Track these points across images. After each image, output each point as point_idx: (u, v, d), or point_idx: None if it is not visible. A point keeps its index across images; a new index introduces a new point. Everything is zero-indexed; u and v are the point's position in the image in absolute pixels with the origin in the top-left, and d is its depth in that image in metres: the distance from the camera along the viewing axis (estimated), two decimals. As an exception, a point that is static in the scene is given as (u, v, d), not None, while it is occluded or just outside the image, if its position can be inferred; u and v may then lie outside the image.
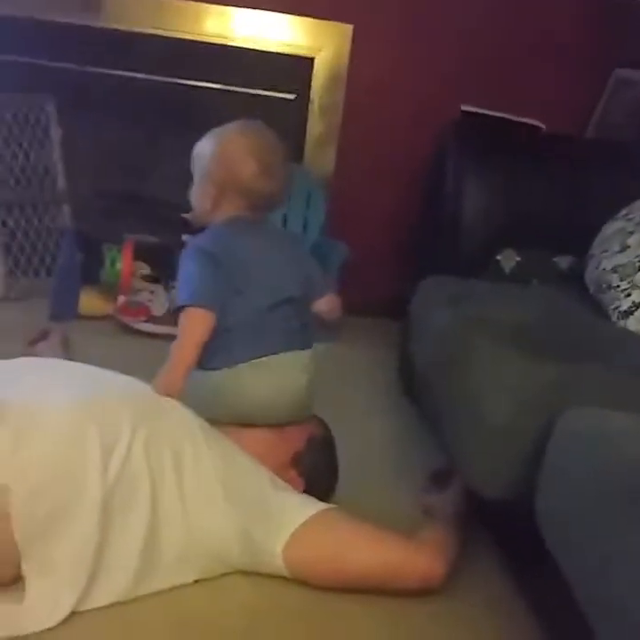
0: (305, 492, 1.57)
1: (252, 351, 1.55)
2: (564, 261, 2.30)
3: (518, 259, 2.28)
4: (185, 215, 2.64)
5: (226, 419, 1.57)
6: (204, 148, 1.60)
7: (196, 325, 1.53)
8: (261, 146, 1.57)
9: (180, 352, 1.53)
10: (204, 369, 1.57)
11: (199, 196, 1.61)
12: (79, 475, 1.31)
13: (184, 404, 1.58)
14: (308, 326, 1.64)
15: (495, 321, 1.75)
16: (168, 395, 1.51)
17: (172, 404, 1.52)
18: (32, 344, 1.96)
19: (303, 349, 1.61)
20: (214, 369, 1.56)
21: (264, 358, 1.55)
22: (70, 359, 1.86)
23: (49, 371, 1.56)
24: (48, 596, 1.27)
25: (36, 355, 1.90)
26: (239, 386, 1.55)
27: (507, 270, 2.27)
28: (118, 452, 1.35)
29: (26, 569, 1.28)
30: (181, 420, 1.49)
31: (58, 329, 2.04)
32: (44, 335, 1.99)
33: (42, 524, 1.28)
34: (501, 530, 1.65)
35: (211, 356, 1.55)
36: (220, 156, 1.57)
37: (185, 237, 2.58)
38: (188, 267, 1.55)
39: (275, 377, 1.57)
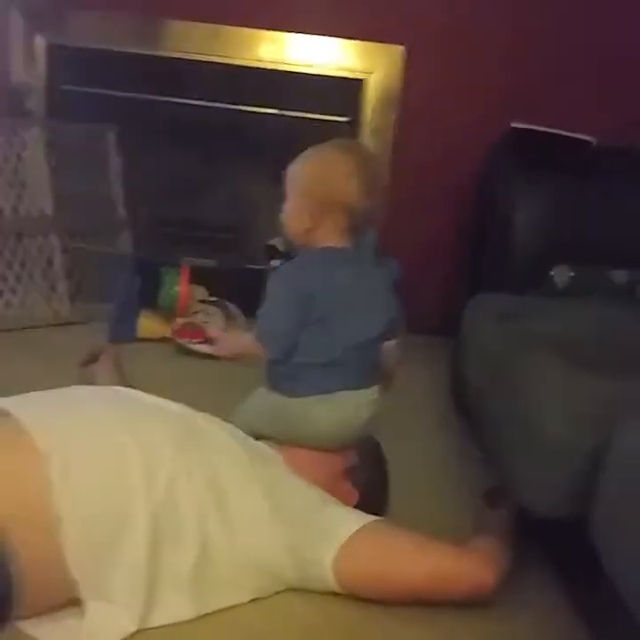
0: (359, 503, 1.57)
1: (325, 385, 1.55)
2: (619, 276, 2.27)
3: (572, 274, 2.25)
4: (272, 241, 2.69)
5: (282, 440, 1.59)
6: (301, 169, 1.57)
7: (254, 350, 1.57)
8: (361, 164, 1.54)
9: (243, 346, 1.63)
10: (274, 390, 1.59)
11: (296, 217, 1.56)
12: (127, 501, 1.32)
13: (243, 420, 1.61)
14: (378, 363, 1.64)
15: (549, 336, 1.73)
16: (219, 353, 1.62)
17: (216, 425, 1.54)
18: (85, 365, 2.00)
19: (371, 386, 1.61)
20: (284, 394, 1.57)
21: (335, 393, 1.55)
22: (124, 378, 1.92)
23: (93, 397, 1.59)
24: (106, 616, 1.29)
25: (90, 375, 1.94)
26: (306, 416, 1.56)
27: (560, 286, 2.25)
28: (162, 476, 1.36)
29: (83, 595, 1.30)
30: (225, 442, 1.50)
31: (110, 349, 2.06)
32: (95, 356, 2.02)
33: (94, 551, 1.29)
34: (556, 548, 1.62)
35: (283, 380, 1.57)
36: (321, 175, 1.54)
37: (274, 263, 2.58)
38: (275, 297, 1.54)
39: (341, 412, 1.57)
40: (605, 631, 1.40)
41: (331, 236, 1.55)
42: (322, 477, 1.56)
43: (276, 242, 2.59)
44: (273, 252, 2.63)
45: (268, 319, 1.55)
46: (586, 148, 2.54)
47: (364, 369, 1.59)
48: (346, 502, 1.57)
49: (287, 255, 1.63)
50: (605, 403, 1.42)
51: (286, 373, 1.56)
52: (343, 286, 1.53)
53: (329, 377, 1.54)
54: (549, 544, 1.64)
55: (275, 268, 1.57)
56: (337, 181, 1.52)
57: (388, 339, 1.66)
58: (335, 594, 1.42)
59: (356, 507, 1.57)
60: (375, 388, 1.62)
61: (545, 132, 2.57)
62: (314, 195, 1.53)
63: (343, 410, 1.57)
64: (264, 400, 1.60)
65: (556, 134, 2.55)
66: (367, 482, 1.64)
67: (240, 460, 1.48)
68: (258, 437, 1.60)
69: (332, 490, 1.57)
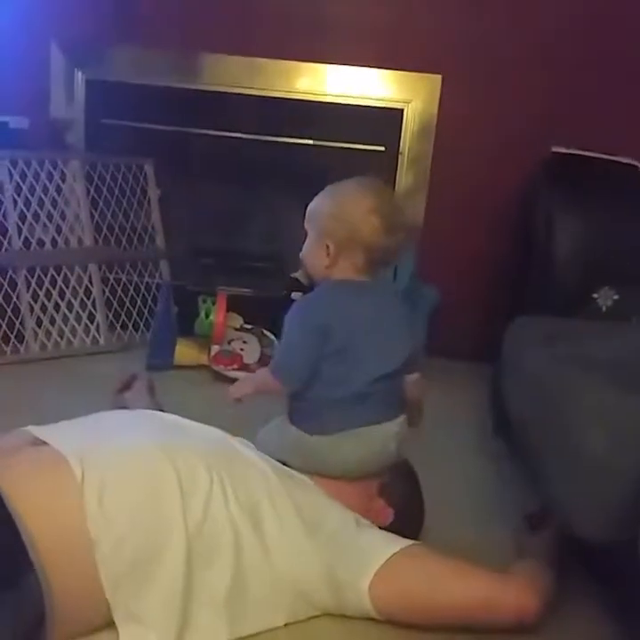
0: (394, 522, 1.55)
1: (350, 421, 1.54)
2: (663, 298, 2.23)
3: (616, 297, 2.22)
4: (294, 274, 2.71)
5: (313, 473, 1.57)
6: (321, 206, 1.57)
7: (272, 387, 1.58)
8: (381, 203, 1.54)
9: (259, 383, 1.61)
10: (297, 427, 1.58)
11: (315, 254, 1.57)
12: (162, 523, 1.32)
13: (267, 448, 1.59)
14: (401, 394, 1.62)
15: (593, 358, 1.71)
16: (236, 395, 1.60)
17: (248, 451, 1.54)
18: (119, 392, 2.00)
19: (396, 418, 1.59)
20: (307, 431, 1.56)
21: (359, 429, 1.54)
22: (157, 405, 1.92)
23: (128, 420, 1.61)
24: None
25: (124, 402, 1.94)
26: (333, 454, 1.55)
27: (604, 309, 2.21)
28: (198, 498, 1.36)
29: (116, 616, 1.29)
30: (260, 466, 1.50)
31: (144, 376, 2.07)
32: (129, 383, 2.03)
33: (128, 573, 1.29)
34: (604, 572, 1.57)
35: (306, 418, 1.56)
36: (340, 214, 1.53)
37: (294, 296, 2.59)
38: (291, 330, 1.54)
39: (369, 447, 1.56)
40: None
41: (349, 272, 1.56)
42: (354, 499, 1.55)
43: (298, 275, 2.61)
44: (296, 285, 2.65)
45: (284, 351, 1.57)
46: (629, 171, 2.51)
47: (387, 400, 1.57)
48: (380, 520, 1.55)
49: (308, 288, 1.64)
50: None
51: (309, 410, 1.55)
52: (359, 317, 1.53)
53: (352, 412, 1.53)
54: (596, 569, 1.59)
55: (293, 301, 1.59)
56: (355, 220, 1.52)
57: (410, 371, 1.64)
58: (372, 619, 1.39)
59: (391, 524, 1.55)
60: (400, 419, 1.60)
61: (586, 156, 2.55)
62: (332, 233, 1.54)
63: (370, 444, 1.56)
64: (286, 434, 1.59)
65: (598, 158, 2.53)
66: (400, 499, 1.61)
67: (275, 483, 1.46)
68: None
69: (365, 509, 1.55)
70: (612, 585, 1.54)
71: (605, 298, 2.22)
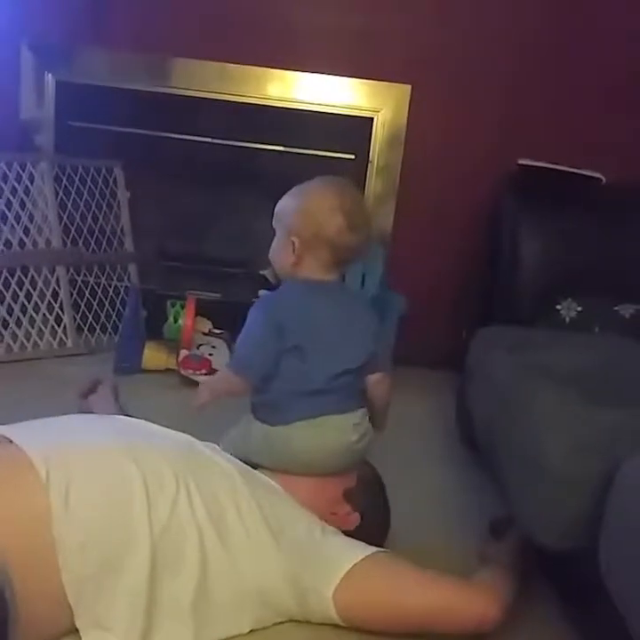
0: (359, 528, 1.57)
1: (308, 412, 1.56)
2: (626, 310, 2.26)
3: (579, 308, 2.25)
4: (263, 272, 2.72)
5: (275, 468, 1.59)
6: (288, 205, 1.59)
7: (231, 386, 1.60)
8: (346, 201, 1.56)
9: (218, 386, 1.64)
10: (258, 420, 1.60)
11: (282, 252, 1.59)
12: (127, 527, 1.32)
13: (234, 449, 1.60)
14: (361, 390, 1.65)
15: (556, 368, 1.73)
16: (196, 404, 1.60)
17: (216, 456, 1.54)
18: (84, 396, 1.99)
19: (355, 410, 1.62)
20: (268, 423, 1.58)
21: (318, 419, 1.56)
22: (122, 409, 1.91)
23: (95, 423, 1.61)
24: None
25: (88, 406, 1.93)
26: (292, 443, 1.57)
27: (567, 320, 2.25)
28: (164, 503, 1.35)
29: (79, 623, 1.28)
30: (224, 471, 1.50)
31: (108, 381, 2.06)
32: (94, 387, 2.01)
33: (92, 578, 1.28)
34: (564, 580, 1.60)
35: (265, 410, 1.59)
36: (305, 212, 1.56)
37: (261, 292, 2.65)
38: (251, 325, 1.57)
39: (326, 437, 1.58)
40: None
41: (315, 270, 1.58)
42: (320, 502, 1.56)
43: (267, 273, 2.63)
44: (264, 283, 2.69)
45: (243, 345, 1.59)
46: (594, 184, 2.55)
47: (347, 394, 1.60)
48: (346, 525, 1.57)
49: (275, 287, 1.67)
50: (611, 435, 1.40)
51: (270, 402, 1.58)
52: (319, 317, 1.56)
53: (310, 404, 1.55)
54: (557, 577, 1.61)
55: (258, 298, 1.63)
56: (319, 217, 1.54)
57: (373, 371, 1.66)
58: (336, 625, 1.40)
59: (357, 529, 1.56)
60: (360, 412, 1.62)
61: (552, 169, 2.58)
62: (297, 231, 1.56)
63: (326, 434, 1.57)
64: (250, 430, 1.61)
65: (563, 171, 2.57)
66: (367, 505, 1.63)
67: (241, 489, 1.46)
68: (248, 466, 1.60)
69: (331, 514, 1.57)
70: (572, 593, 1.56)
71: (568, 309, 2.25)
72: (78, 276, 2.94)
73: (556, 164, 2.60)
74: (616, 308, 2.26)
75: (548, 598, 1.58)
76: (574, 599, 1.55)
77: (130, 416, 1.76)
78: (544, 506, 1.42)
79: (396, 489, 1.72)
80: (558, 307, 2.26)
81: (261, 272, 2.77)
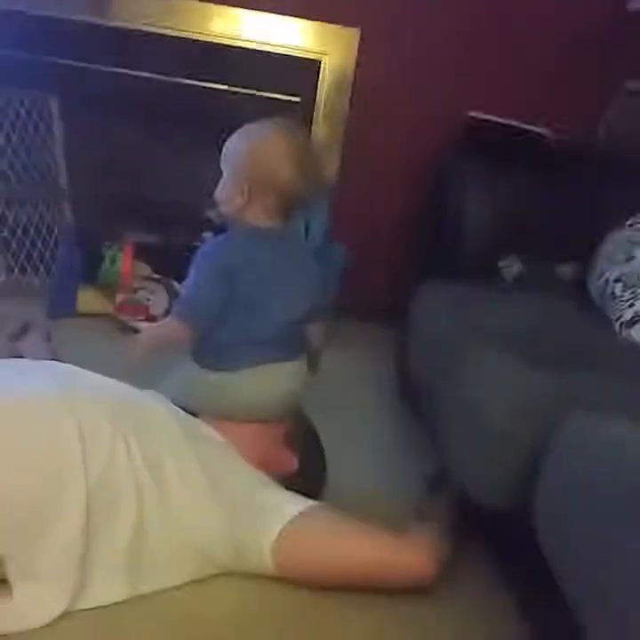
0: (297, 479, 1.58)
1: (250, 360, 1.58)
2: (567, 270, 2.29)
3: (522, 268, 2.26)
4: (208, 213, 2.67)
5: (216, 414, 1.59)
6: (238, 146, 1.57)
7: (173, 333, 1.58)
8: (297, 147, 1.54)
9: (154, 336, 1.63)
10: (202, 367, 1.60)
11: (230, 194, 1.57)
12: (60, 474, 1.30)
13: (176, 395, 1.59)
14: (303, 339, 1.68)
15: (494, 328, 1.74)
16: (135, 358, 1.58)
17: (154, 404, 1.52)
18: (13, 339, 1.94)
19: (297, 358, 1.65)
20: (212, 370, 1.59)
21: (265, 366, 1.58)
22: (54, 354, 1.87)
23: (27, 368, 1.57)
24: (34, 598, 1.25)
25: (18, 351, 1.88)
26: (235, 389, 1.59)
27: (509, 278, 2.26)
28: (100, 450, 1.34)
29: (9, 572, 1.26)
30: (163, 420, 1.49)
31: (39, 325, 2.02)
32: (24, 330, 1.97)
33: (23, 527, 1.26)
34: (499, 538, 1.63)
35: (210, 357, 1.59)
36: (255, 155, 1.54)
37: (205, 234, 2.59)
38: (198, 272, 1.55)
39: (272, 384, 1.61)
40: (546, 624, 1.41)
41: (261, 216, 1.57)
42: (259, 447, 1.57)
43: (212, 214, 2.59)
44: (208, 224, 2.64)
45: (190, 291, 1.57)
46: (541, 141, 2.55)
47: (289, 343, 1.62)
48: (285, 467, 1.59)
49: (220, 229, 1.65)
50: (549, 396, 1.42)
51: (212, 349, 1.58)
52: (266, 265, 1.56)
53: (254, 351, 1.57)
54: (492, 536, 1.64)
55: (203, 242, 1.60)
56: (271, 163, 1.53)
57: (315, 320, 1.69)
58: (272, 578, 1.41)
59: (295, 478, 1.58)
60: (299, 361, 1.65)
61: (501, 123, 2.57)
62: (247, 174, 1.54)
63: (272, 381, 1.60)
64: (191, 377, 1.62)
65: (511, 125, 2.56)
66: (304, 450, 1.65)
67: (180, 438, 1.46)
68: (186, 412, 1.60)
69: (270, 456, 1.58)
70: (507, 551, 1.59)
71: (510, 268, 2.26)
72: (9, 211, 2.84)
73: (508, 116, 2.59)
74: (558, 268, 2.29)
75: (484, 558, 1.61)
76: (510, 558, 1.58)
77: (62, 362, 1.71)
78: (484, 465, 1.44)
79: (333, 441, 1.73)
80: (501, 263, 2.27)
81: (207, 213, 2.71)
